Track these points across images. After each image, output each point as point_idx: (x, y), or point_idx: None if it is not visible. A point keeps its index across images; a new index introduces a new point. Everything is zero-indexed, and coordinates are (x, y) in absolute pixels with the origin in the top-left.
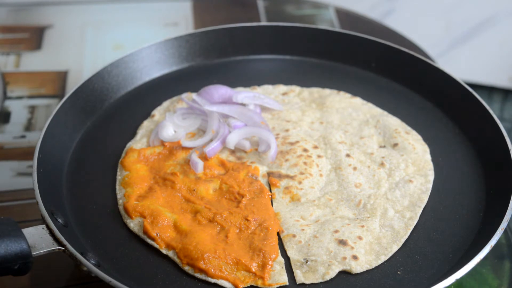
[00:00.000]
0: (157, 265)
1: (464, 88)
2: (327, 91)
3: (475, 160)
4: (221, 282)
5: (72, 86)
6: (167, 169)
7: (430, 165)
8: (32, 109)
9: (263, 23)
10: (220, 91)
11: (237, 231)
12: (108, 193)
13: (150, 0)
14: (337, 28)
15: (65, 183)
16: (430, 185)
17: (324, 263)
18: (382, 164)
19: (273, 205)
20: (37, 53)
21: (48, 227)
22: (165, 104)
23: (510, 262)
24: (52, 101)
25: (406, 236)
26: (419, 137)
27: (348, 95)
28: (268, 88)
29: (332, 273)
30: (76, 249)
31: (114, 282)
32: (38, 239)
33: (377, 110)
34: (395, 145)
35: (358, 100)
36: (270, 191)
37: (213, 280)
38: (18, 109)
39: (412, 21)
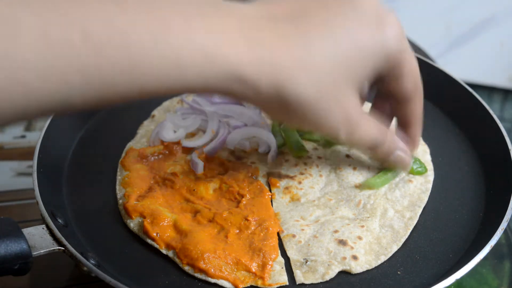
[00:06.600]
0: (157, 265)
1: (464, 88)
2: None
3: (475, 160)
4: (221, 282)
5: None
6: (167, 169)
7: (430, 165)
8: None
9: None
10: None
11: (237, 231)
12: (108, 193)
13: None
14: None
15: (65, 183)
16: (430, 185)
17: (324, 263)
18: (382, 164)
19: (273, 205)
20: None
21: (48, 227)
22: (165, 104)
23: (510, 262)
24: None
25: (406, 236)
26: None
27: None
28: None
29: (332, 273)
30: (76, 249)
31: (114, 282)
32: (38, 239)
33: None
34: None
35: None
36: (270, 191)
37: (213, 280)
38: None
39: (412, 21)
